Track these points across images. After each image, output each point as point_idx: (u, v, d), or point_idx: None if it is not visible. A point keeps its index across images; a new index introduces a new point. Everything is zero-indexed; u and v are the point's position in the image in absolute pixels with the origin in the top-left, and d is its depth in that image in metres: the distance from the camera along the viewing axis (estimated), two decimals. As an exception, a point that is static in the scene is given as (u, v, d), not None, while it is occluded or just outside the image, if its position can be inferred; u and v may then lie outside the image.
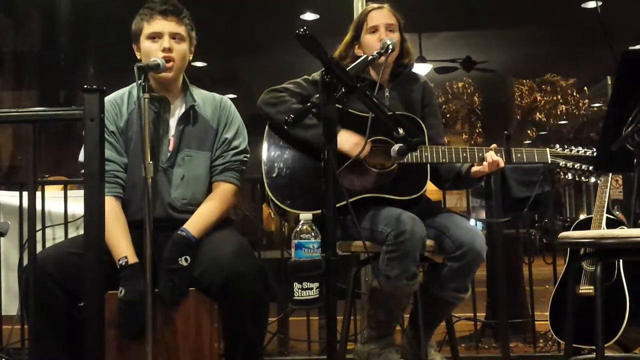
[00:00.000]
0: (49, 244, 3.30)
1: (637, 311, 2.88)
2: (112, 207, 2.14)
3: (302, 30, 1.69)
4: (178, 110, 2.31)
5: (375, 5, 2.52)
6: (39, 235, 3.26)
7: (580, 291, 3.02)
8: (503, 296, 3.37)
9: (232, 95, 2.54)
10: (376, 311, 2.38)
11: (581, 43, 6.50)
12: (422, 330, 2.37)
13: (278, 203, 2.30)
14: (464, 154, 2.33)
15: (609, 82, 5.05)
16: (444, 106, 11.61)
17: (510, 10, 5.74)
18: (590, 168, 2.33)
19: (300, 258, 1.71)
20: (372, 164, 2.35)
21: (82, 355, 1.72)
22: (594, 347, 2.33)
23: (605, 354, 2.37)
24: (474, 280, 2.46)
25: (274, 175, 2.35)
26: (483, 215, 4.60)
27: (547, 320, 3.25)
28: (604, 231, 2.86)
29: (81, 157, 2.25)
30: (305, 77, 2.48)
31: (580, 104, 12.29)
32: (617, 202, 4.02)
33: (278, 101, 2.38)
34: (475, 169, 2.35)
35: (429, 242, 2.28)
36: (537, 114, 12.23)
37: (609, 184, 3.06)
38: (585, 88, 11.70)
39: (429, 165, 2.36)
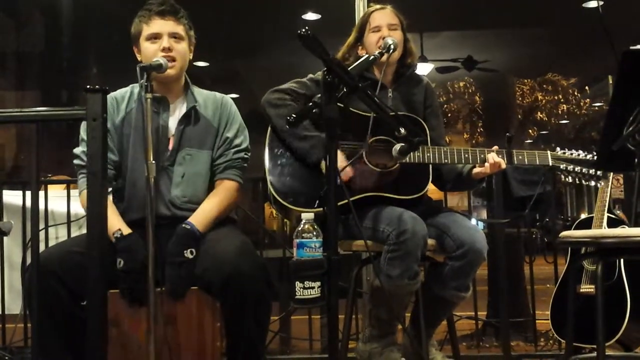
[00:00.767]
0: (51, 243, 3.30)
1: (638, 310, 2.89)
2: None
3: (303, 30, 1.69)
4: (179, 110, 2.32)
5: (378, 5, 2.53)
6: (41, 234, 3.27)
7: (581, 290, 3.02)
8: (504, 295, 3.37)
9: (233, 95, 2.54)
10: (378, 310, 2.38)
11: (582, 42, 6.50)
12: (423, 329, 2.38)
13: (280, 200, 2.31)
14: (466, 155, 2.34)
15: (610, 82, 5.05)
16: (445, 106, 11.61)
17: (512, 10, 5.74)
18: (591, 172, 2.34)
19: (302, 257, 1.72)
20: (374, 164, 2.36)
21: (85, 353, 1.73)
22: (594, 346, 2.34)
23: (606, 353, 2.37)
24: (475, 279, 2.46)
25: (277, 172, 2.36)
26: (484, 214, 4.60)
27: (548, 319, 3.25)
28: (605, 230, 2.86)
29: (76, 150, 2.27)
30: (310, 76, 2.48)
31: (582, 104, 12.28)
32: (618, 202, 4.03)
33: (281, 104, 2.39)
34: (476, 170, 2.36)
35: (430, 242, 2.29)
36: (539, 113, 12.22)
37: (610, 184, 3.07)
38: (587, 87, 11.68)
39: (430, 165, 2.37)
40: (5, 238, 3.34)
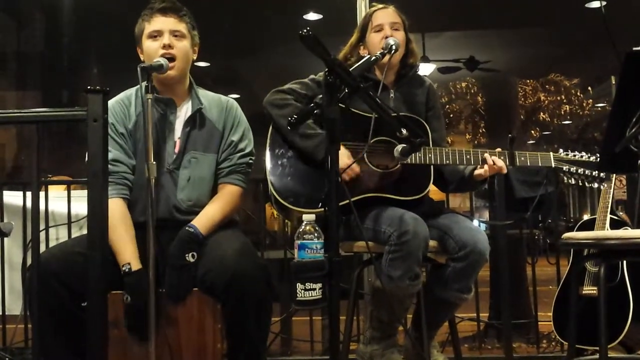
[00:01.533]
0: (52, 244, 3.30)
1: (640, 312, 2.88)
2: (118, 209, 2.14)
3: (305, 30, 1.68)
4: (184, 113, 2.31)
5: (380, 5, 2.53)
6: (42, 235, 3.27)
7: (583, 292, 3.01)
8: (506, 297, 3.36)
9: (234, 95, 2.53)
10: (379, 311, 2.38)
11: (585, 43, 6.49)
12: (424, 331, 2.37)
13: (281, 201, 2.30)
14: (468, 156, 2.33)
15: (613, 82, 5.04)
16: (447, 106, 11.61)
17: (514, 10, 5.73)
18: (594, 173, 2.33)
19: (303, 259, 1.71)
20: (375, 165, 2.35)
21: (85, 354, 1.72)
22: (597, 348, 2.32)
23: (609, 355, 2.36)
24: (477, 280, 2.46)
25: (278, 173, 2.35)
26: (487, 215, 4.59)
27: (550, 321, 3.24)
28: (608, 232, 2.85)
29: (87, 158, 2.25)
30: (312, 76, 2.48)
31: (584, 104, 12.28)
32: (621, 203, 4.01)
33: (284, 104, 2.38)
34: (477, 171, 2.35)
35: (432, 243, 2.28)
36: (541, 114, 12.22)
37: (612, 185, 3.06)
38: (589, 88, 11.68)
39: (432, 166, 2.36)
40: (5, 239, 3.33)
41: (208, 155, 2.29)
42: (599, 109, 12.15)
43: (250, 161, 2.35)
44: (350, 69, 1.91)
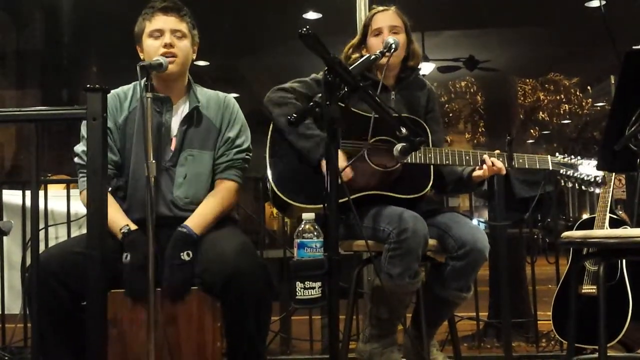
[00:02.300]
0: (51, 243, 3.30)
1: (639, 311, 2.88)
2: None
3: (304, 29, 1.68)
4: (181, 111, 2.31)
5: (381, 7, 2.52)
6: (41, 234, 3.27)
7: (583, 291, 3.01)
8: (506, 296, 3.37)
9: (234, 94, 2.53)
10: (378, 310, 2.38)
11: (584, 42, 6.49)
12: (424, 330, 2.37)
13: (282, 196, 2.30)
14: (467, 157, 2.33)
15: (613, 82, 5.04)
16: (446, 105, 11.61)
17: (513, 10, 5.73)
18: (591, 178, 2.33)
19: (303, 257, 1.72)
20: (375, 163, 2.35)
21: (85, 353, 1.73)
22: (596, 347, 2.33)
23: (608, 354, 2.36)
24: (476, 279, 2.45)
25: (278, 170, 2.35)
26: (486, 215, 4.60)
27: (549, 320, 3.24)
28: (607, 231, 2.85)
29: (76, 148, 2.25)
30: (313, 75, 2.48)
31: (584, 104, 12.28)
32: (620, 202, 4.01)
33: (284, 102, 2.38)
34: (476, 173, 2.35)
35: (432, 242, 2.28)
36: (540, 113, 12.22)
37: (612, 184, 3.06)
38: (589, 87, 11.69)
39: (432, 167, 2.36)
40: (5, 238, 3.33)
41: (205, 152, 2.29)
42: (599, 108, 12.16)
43: (247, 157, 2.35)
44: (350, 68, 1.91)
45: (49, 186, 3.62)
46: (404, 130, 1.97)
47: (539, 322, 3.73)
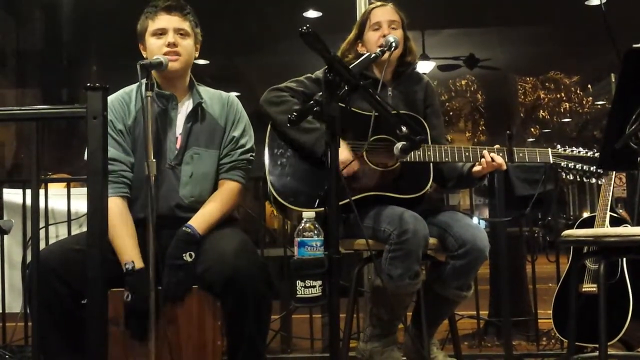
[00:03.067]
0: (52, 241, 3.29)
1: (640, 309, 2.88)
2: (118, 208, 2.14)
3: (305, 28, 1.68)
4: (185, 108, 2.31)
5: (379, 3, 2.52)
6: (42, 232, 3.27)
7: (583, 289, 3.01)
8: (506, 294, 3.36)
9: (235, 93, 2.53)
10: (379, 309, 2.38)
11: (585, 41, 6.49)
12: (424, 329, 2.37)
13: (281, 200, 2.30)
14: (467, 153, 2.33)
15: (613, 80, 5.04)
16: (447, 104, 11.61)
17: (514, 8, 5.73)
18: (592, 169, 2.33)
19: (303, 256, 1.71)
20: (374, 163, 2.35)
21: (85, 352, 1.72)
22: (597, 346, 2.33)
23: (609, 352, 2.36)
24: (476, 278, 2.46)
25: (277, 172, 2.35)
26: (486, 213, 4.59)
27: (550, 319, 3.24)
28: (608, 229, 2.85)
29: (87, 156, 2.25)
30: (309, 75, 2.47)
31: (584, 102, 12.28)
32: (621, 200, 4.01)
33: (280, 100, 2.38)
34: (476, 168, 2.35)
35: (432, 240, 2.28)
36: (541, 111, 12.23)
37: (612, 182, 3.05)
38: (589, 86, 11.68)
39: (432, 164, 2.36)
40: (5, 236, 3.34)
41: (210, 151, 2.28)
42: (599, 106, 12.16)
43: (251, 157, 2.35)
44: (350, 67, 1.90)
45: (50, 185, 3.62)
46: (404, 128, 1.97)
47: (539, 320, 3.73)
